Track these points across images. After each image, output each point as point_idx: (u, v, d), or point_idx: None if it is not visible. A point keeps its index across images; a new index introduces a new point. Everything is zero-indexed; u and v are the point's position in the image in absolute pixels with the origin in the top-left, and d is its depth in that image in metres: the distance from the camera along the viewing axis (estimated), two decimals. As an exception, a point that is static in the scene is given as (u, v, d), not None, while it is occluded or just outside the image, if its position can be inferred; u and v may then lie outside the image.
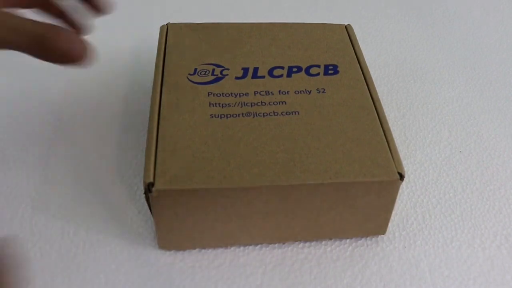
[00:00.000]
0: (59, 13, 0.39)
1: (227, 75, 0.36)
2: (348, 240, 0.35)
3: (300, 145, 0.32)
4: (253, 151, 0.31)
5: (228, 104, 0.34)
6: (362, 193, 0.31)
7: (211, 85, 0.36)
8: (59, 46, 0.30)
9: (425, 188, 0.39)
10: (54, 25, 0.31)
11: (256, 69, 0.37)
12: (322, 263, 0.33)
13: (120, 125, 0.43)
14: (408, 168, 0.40)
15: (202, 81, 0.36)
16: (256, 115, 0.33)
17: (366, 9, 0.61)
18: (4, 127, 0.42)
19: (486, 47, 0.55)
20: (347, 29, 0.42)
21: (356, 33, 0.42)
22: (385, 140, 0.32)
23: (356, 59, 0.39)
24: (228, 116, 0.33)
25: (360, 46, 0.40)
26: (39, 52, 0.30)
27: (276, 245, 0.34)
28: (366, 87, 0.36)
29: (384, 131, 0.33)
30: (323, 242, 0.35)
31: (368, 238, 0.35)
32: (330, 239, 0.35)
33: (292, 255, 0.34)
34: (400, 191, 0.32)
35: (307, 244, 0.34)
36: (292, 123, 0.33)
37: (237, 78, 0.36)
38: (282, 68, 0.38)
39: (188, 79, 0.36)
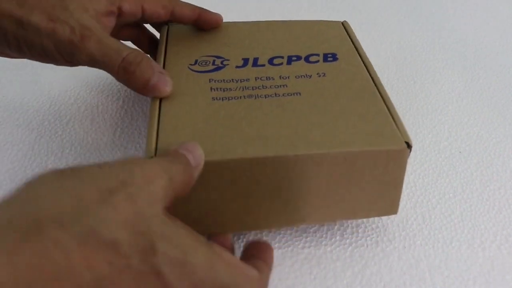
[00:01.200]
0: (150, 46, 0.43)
1: (227, 64, 0.37)
2: (348, 240, 0.35)
3: (303, 121, 0.31)
4: (256, 127, 0.31)
5: (229, 89, 0.34)
6: (369, 165, 0.30)
7: (212, 73, 0.36)
8: (142, 78, 0.32)
9: (425, 188, 0.39)
10: (143, 56, 0.33)
11: (256, 59, 0.37)
12: (322, 263, 0.33)
13: (121, 125, 0.43)
14: (408, 168, 0.40)
15: (203, 70, 0.36)
16: (258, 97, 0.33)
17: (366, 10, 0.61)
18: (3, 127, 0.42)
19: (486, 47, 0.55)
20: (344, 24, 0.42)
21: (355, 34, 0.42)
22: (389, 114, 0.32)
23: (354, 48, 0.39)
24: (230, 98, 0.33)
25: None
26: (125, 77, 0.33)
27: (276, 245, 0.34)
28: (367, 71, 0.36)
29: (387, 106, 0.33)
30: (323, 242, 0.35)
31: (368, 238, 0.35)
32: (341, 220, 0.34)
33: (292, 255, 0.34)
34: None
35: (307, 244, 0.34)
36: (294, 103, 0.33)
37: (237, 67, 0.36)
38: (282, 57, 0.38)
39: (189, 68, 0.36)
